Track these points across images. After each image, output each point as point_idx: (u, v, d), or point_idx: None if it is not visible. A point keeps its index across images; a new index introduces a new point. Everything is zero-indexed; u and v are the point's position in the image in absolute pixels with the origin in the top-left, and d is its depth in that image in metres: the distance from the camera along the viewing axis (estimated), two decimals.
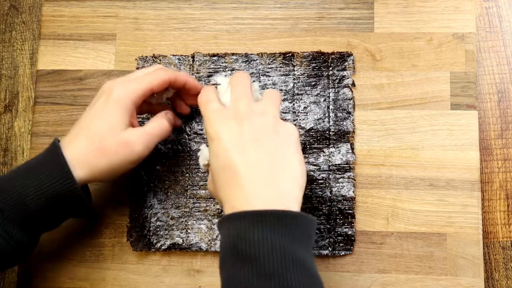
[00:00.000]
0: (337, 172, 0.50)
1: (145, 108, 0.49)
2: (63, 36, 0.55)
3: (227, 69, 0.53)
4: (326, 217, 0.49)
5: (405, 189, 0.50)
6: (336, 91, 0.51)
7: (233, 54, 0.53)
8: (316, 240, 0.49)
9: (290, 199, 0.37)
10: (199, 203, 0.51)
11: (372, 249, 0.49)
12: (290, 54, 0.52)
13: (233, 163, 0.38)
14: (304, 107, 0.51)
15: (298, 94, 0.52)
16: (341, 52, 0.52)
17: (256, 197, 0.37)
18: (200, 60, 0.53)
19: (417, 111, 0.51)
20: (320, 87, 0.52)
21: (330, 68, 0.52)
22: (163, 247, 0.50)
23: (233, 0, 0.54)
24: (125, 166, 0.44)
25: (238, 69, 0.52)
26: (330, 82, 0.52)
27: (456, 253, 0.48)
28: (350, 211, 0.49)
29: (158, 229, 0.50)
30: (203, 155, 0.47)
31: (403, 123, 0.51)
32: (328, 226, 0.49)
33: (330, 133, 0.51)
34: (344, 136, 0.50)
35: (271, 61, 0.52)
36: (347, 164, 0.50)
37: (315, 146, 0.50)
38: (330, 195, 0.50)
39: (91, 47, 0.55)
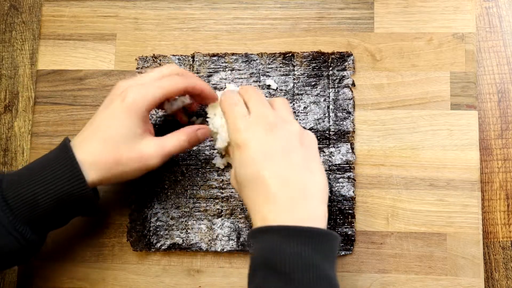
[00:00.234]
0: (337, 172, 0.50)
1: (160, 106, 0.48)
2: (63, 36, 0.55)
3: (227, 69, 0.53)
4: None
5: (405, 189, 0.50)
6: (336, 91, 0.51)
7: (233, 54, 0.53)
8: None
9: (320, 216, 0.39)
10: (199, 203, 0.51)
11: (372, 249, 0.49)
12: (290, 54, 0.52)
13: (263, 176, 0.39)
14: (304, 107, 0.51)
15: (298, 94, 0.52)
16: (341, 52, 0.52)
17: (288, 213, 0.38)
18: (200, 60, 0.53)
19: (417, 111, 0.51)
20: (320, 87, 0.52)
21: (330, 68, 0.52)
22: (163, 247, 0.50)
23: (233, 0, 0.54)
24: (137, 174, 0.44)
25: (238, 69, 0.52)
26: (330, 82, 0.52)
27: (456, 253, 0.48)
28: (350, 211, 0.49)
29: (158, 229, 0.50)
30: (222, 137, 0.46)
31: (403, 123, 0.51)
32: (328, 226, 0.49)
33: (330, 133, 0.51)
34: (344, 136, 0.50)
35: (271, 61, 0.52)
36: (347, 164, 0.50)
37: None
38: (330, 195, 0.50)
39: (91, 47, 0.55)
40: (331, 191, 0.50)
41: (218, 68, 0.53)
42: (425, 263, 0.48)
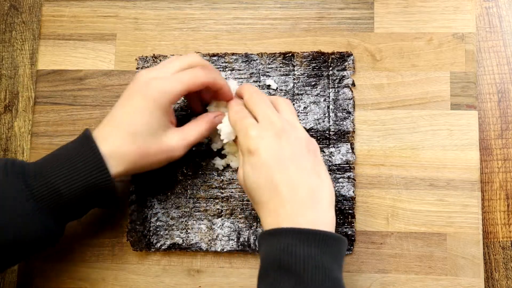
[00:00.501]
0: (337, 172, 0.50)
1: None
2: (63, 36, 0.55)
3: (227, 69, 0.53)
4: None
5: (405, 189, 0.50)
6: (336, 91, 0.51)
7: (233, 54, 0.53)
8: None
9: (328, 220, 0.40)
10: (199, 203, 0.51)
11: (372, 249, 0.49)
12: (290, 54, 0.52)
13: (275, 182, 0.40)
14: (304, 107, 0.51)
15: (298, 94, 0.52)
16: (341, 52, 0.52)
17: (298, 216, 0.39)
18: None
19: (417, 111, 0.51)
20: (320, 87, 0.52)
21: (330, 68, 0.52)
22: (163, 247, 0.50)
23: (233, 0, 0.54)
24: (160, 165, 0.45)
25: (238, 69, 0.52)
26: (330, 82, 0.52)
27: (456, 253, 0.48)
28: (350, 211, 0.49)
29: (158, 229, 0.50)
30: (224, 131, 0.47)
31: (403, 123, 0.51)
32: None
33: (330, 133, 0.51)
34: (344, 136, 0.50)
35: (271, 61, 0.52)
36: (347, 164, 0.50)
37: None
38: None
39: (91, 47, 0.55)
40: None
41: (218, 68, 0.53)
42: (425, 263, 0.48)
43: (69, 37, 0.55)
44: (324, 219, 0.40)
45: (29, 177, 0.41)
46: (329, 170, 0.50)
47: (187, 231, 0.50)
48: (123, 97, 0.45)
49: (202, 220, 0.50)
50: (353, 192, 0.50)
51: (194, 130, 0.46)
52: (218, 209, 0.50)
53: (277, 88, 0.52)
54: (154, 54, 0.54)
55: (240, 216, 0.50)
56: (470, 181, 0.49)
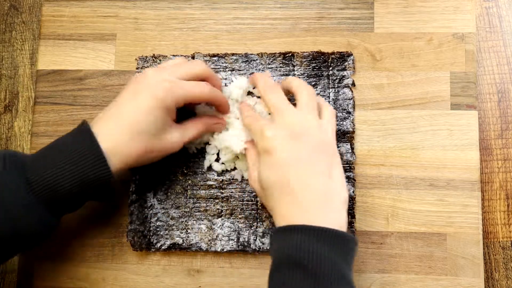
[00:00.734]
0: None
1: None
2: (63, 36, 0.55)
3: (227, 69, 0.53)
4: None
5: (405, 189, 0.50)
6: (336, 91, 0.51)
7: (233, 54, 0.53)
8: None
9: (340, 220, 0.41)
10: (199, 203, 0.51)
11: (372, 249, 0.49)
12: (290, 54, 0.52)
13: (291, 182, 0.42)
14: None
15: None
16: (341, 52, 0.52)
17: (311, 215, 0.41)
18: (200, 60, 0.53)
19: (417, 111, 0.51)
20: (320, 87, 0.52)
21: (330, 68, 0.52)
22: (163, 247, 0.50)
23: (233, 0, 0.54)
24: (158, 159, 0.46)
25: (238, 69, 0.52)
26: (330, 82, 0.52)
27: (456, 253, 0.48)
28: (350, 211, 0.49)
29: (158, 229, 0.50)
30: (236, 143, 0.49)
31: (403, 123, 0.51)
32: None
33: None
34: (344, 136, 0.50)
35: (271, 61, 0.52)
36: (347, 164, 0.50)
37: None
38: None
39: (91, 47, 0.55)
40: None
41: (218, 68, 0.53)
42: (425, 263, 0.48)
43: (69, 37, 0.55)
44: (335, 219, 0.41)
45: (28, 170, 0.41)
46: None
47: (187, 231, 0.50)
48: (129, 93, 0.44)
49: (202, 220, 0.50)
50: (353, 192, 0.50)
51: (194, 130, 0.48)
52: (218, 209, 0.50)
53: None
54: (154, 54, 0.54)
55: (240, 216, 0.50)
56: (470, 181, 0.49)
